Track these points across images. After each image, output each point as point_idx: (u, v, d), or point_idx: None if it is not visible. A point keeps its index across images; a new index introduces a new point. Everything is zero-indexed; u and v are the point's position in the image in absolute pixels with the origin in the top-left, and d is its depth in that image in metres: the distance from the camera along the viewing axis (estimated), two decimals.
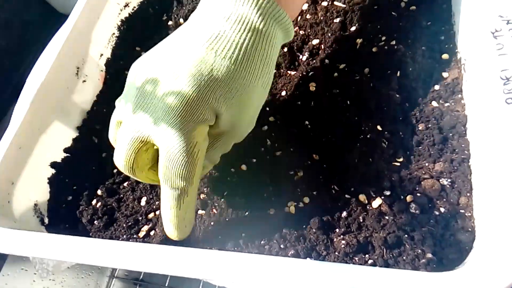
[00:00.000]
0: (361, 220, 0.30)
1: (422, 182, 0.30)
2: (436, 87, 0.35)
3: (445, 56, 0.36)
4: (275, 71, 0.41)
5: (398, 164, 0.32)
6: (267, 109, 0.38)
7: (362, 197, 0.31)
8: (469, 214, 0.28)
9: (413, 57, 0.36)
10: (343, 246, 0.29)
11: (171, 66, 0.27)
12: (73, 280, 0.56)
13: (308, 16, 0.43)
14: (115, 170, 0.40)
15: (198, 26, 0.28)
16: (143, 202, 0.37)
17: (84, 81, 0.45)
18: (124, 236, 0.35)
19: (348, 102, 0.36)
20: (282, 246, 0.30)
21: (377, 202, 0.30)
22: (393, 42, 0.38)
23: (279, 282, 0.24)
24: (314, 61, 0.40)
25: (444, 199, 0.30)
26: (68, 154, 0.42)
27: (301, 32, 0.42)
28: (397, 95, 0.35)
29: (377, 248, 0.28)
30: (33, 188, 0.39)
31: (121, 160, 0.28)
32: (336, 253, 0.29)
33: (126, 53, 0.48)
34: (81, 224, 0.37)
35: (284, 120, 0.37)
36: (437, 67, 0.35)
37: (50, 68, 0.41)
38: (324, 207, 0.31)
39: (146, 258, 0.27)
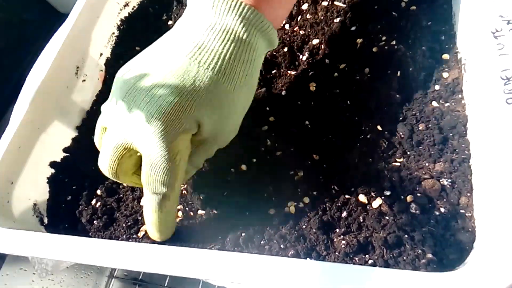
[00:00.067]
0: (361, 220, 0.30)
1: (422, 182, 0.30)
2: (437, 87, 0.35)
3: (445, 56, 0.36)
4: (275, 71, 0.41)
5: (398, 164, 0.32)
6: (267, 109, 0.38)
7: (362, 197, 0.31)
8: (470, 214, 0.28)
9: (413, 57, 0.36)
10: (343, 246, 0.29)
11: (154, 76, 0.27)
12: (72, 280, 0.56)
13: (308, 16, 0.43)
14: None
15: (182, 35, 0.28)
16: (143, 202, 0.36)
17: (84, 80, 0.45)
18: (124, 236, 0.35)
19: (348, 102, 0.36)
20: (282, 246, 0.30)
21: (377, 202, 0.30)
22: (394, 42, 0.38)
23: (279, 282, 0.24)
24: (314, 61, 0.40)
25: (445, 199, 0.29)
26: (67, 154, 0.42)
27: (301, 32, 0.42)
28: (397, 95, 0.35)
29: (377, 248, 0.28)
30: (33, 188, 0.39)
31: (105, 165, 0.29)
32: (336, 253, 0.29)
33: (126, 52, 0.48)
34: (80, 224, 0.37)
35: (284, 120, 0.37)
36: (437, 67, 0.35)
37: (49, 67, 0.40)
38: (324, 207, 0.31)
39: (146, 258, 0.27)
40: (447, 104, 0.34)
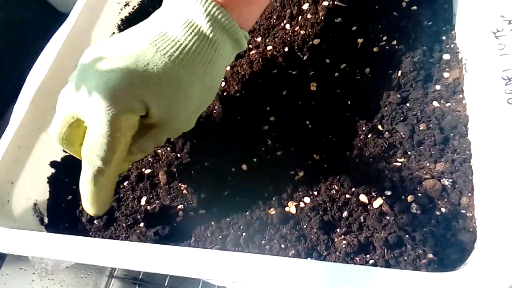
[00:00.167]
0: (362, 220, 0.30)
1: (423, 182, 0.30)
2: (437, 87, 0.35)
3: (446, 56, 0.36)
4: (276, 70, 0.41)
5: (399, 164, 0.32)
6: (268, 108, 0.38)
7: (363, 197, 0.31)
8: (471, 214, 0.28)
9: (414, 57, 0.36)
10: (344, 246, 0.28)
11: (112, 53, 0.28)
12: (72, 279, 0.56)
13: (309, 16, 0.43)
14: None
15: (150, 24, 0.29)
16: (143, 201, 0.36)
17: None
18: (124, 236, 0.34)
19: (349, 102, 0.36)
20: (282, 246, 0.30)
21: (378, 202, 0.30)
22: (394, 42, 0.38)
23: (280, 282, 0.24)
24: (315, 60, 0.40)
25: (445, 199, 0.29)
26: (67, 154, 0.42)
27: (302, 31, 0.42)
28: (398, 95, 0.35)
29: (378, 248, 0.28)
30: (33, 188, 0.39)
31: (54, 130, 0.30)
32: (337, 253, 0.29)
33: None
34: (80, 224, 0.37)
35: (284, 120, 0.37)
36: (438, 67, 0.35)
37: (50, 67, 0.40)
38: (325, 207, 0.31)
39: (146, 257, 0.27)
40: (448, 104, 0.34)
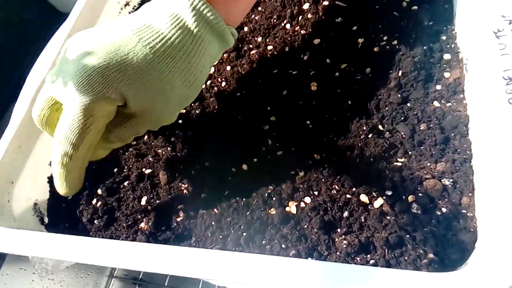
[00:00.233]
0: (362, 220, 0.30)
1: (424, 182, 0.30)
2: (438, 87, 0.34)
3: (446, 56, 0.36)
4: (276, 70, 0.41)
5: (400, 164, 0.32)
6: (268, 108, 0.38)
7: (363, 197, 0.31)
8: (471, 214, 0.28)
9: (414, 56, 0.36)
10: (344, 246, 0.28)
11: (94, 40, 0.28)
12: (72, 279, 0.56)
13: (309, 16, 0.43)
14: (115, 170, 0.39)
15: (137, 15, 0.30)
16: (143, 201, 0.36)
17: None
18: (124, 236, 0.34)
19: (350, 102, 0.36)
20: (283, 246, 0.30)
21: (378, 202, 0.30)
22: (395, 42, 0.38)
23: (281, 282, 0.24)
24: (316, 60, 0.40)
25: (446, 199, 0.29)
26: None
27: (302, 31, 0.42)
28: (399, 95, 0.35)
29: (379, 248, 0.28)
30: (33, 187, 0.39)
31: (35, 113, 0.30)
32: (338, 253, 0.29)
33: None
34: (81, 224, 0.37)
35: (285, 120, 0.37)
36: (438, 67, 0.35)
37: (50, 66, 0.40)
38: (326, 207, 0.31)
39: (146, 257, 0.27)
40: (448, 104, 0.34)
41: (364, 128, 0.34)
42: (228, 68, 0.42)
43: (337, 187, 0.32)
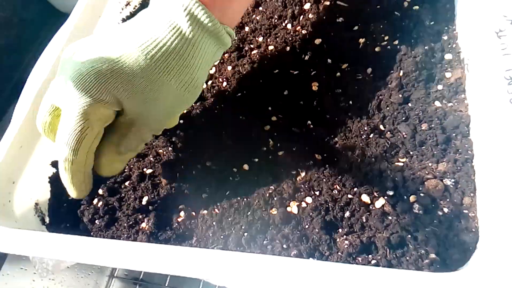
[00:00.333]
0: (364, 220, 0.30)
1: (425, 182, 0.30)
2: (439, 87, 0.34)
3: (448, 56, 0.35)
4: (277, 70, 0.41)
5: (401, 164, 0.32)
6: (269, 108, 0.38)
7: (365, 197, 0.31)
8: (473, 214, 0.28)
9: (415, 56, 0.36)
10: (346, 246, 0.28)
11: (89, 47, 0.29)
12: (72, 279, 0.56)
13: (310, 16, 0.43)
14: None
15: (131, 21, 0.30)
16: (144, 201, 0.36)
17: None
18: (125, 236, 0.34)
19: (351, 102, 0.36)
20: (284, 246, 0.30)
21: (380, 202, 0.30)
22: (396, 42, 0.38)
23: (282, 282, 0.24)
24: (317, 60, 0.40)
25: (448, 200, 0.29)
26: None
27: (304, 31, 0.42)
28: (400, 95, 0.35)
29: (380, 249, 0.28)
30: (34, 187, 0.39)
31: (38, 121, 0.32)
32: (339, 253, 0.29)
33: None
34: (82, 224, 0.37)
35: (286, 120, 0.37)
36: (440, 67, 0.35)
37: (51, 67, 0.40)
38: (327, 207, 0.31)
39: (147, 257, 0.27)
40: (450, 104, 0.34)
41: (365, 128, 0.34)
42: (229, 68, 0.42)
43: (338, 187, 0.32)
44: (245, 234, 0.31)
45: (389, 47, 0.38)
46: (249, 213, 0.32)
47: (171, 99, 0.30)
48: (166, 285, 0.56)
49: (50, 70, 0.40)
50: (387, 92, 0.35)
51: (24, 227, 0.33)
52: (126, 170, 0.39)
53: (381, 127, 0.34)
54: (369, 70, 0.37)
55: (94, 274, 0.58)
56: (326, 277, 0.24)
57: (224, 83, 0.42)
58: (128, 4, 0.51)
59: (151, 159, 0.39)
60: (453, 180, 0.30)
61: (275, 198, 0.32)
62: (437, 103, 0.34)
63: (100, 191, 0.38)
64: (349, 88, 0.37)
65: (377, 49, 0.38)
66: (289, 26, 0.43)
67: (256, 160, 0.35)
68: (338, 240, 0.29)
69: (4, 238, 0.31)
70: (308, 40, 0.41)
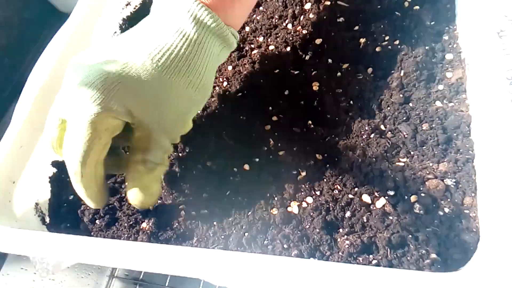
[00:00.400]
0: (365, 220, 0.30)
1: (426, 182, 0.30)
2: (440, 87, 0.34)
3: (449, 56, 0.35)
4: (278, 70, 0.41)
5: (402, 164, 0.32)
6: (270, 108, 0.38)
7: (366, 197, 0.31)
8: (474, 214, 0.28)
9: (416, 56, 0.36)
10: (347, 246, 0.28)
11: (92, 56, 0.28)
12: (73, 279, 0.55)
13: (311, 16, 0.42)
14: None
15: (136, 27, 0.30)
16: None
17: None
18: (126, 236, 0.34)
19: (351, 102, 0.36)
20: (285, 246, 0.30)
21: (381, 202, 0.30)
22: (397, 42, 0.38)
23: (283, 282, 0.24)
24: (317, 60, 0.40)
25: (449, 200, 0.29)
26: None
27: (304, 31, 0.42)
28: (401, 95, 0.35)
29: (381, 249, 0.28)
30: (34, 187, 0.39)
31: (48, 136, 0.30)
32: (340, 253, 0.29)
33: None
34: (82, 224, 0.37)
35: (287, 120, 0.37)
36: (441, 67, 0.35)
37: (51, 67, 0.40)
38: (328, 207, 0.31)
39: (148, 257, 0.27)
40: (450, 104, 0.33)
41: (366, 128, 0.34)
42: (230, 68, 0.42)
43: (339, 187, 0.32)
44: (246, 234, 0.31)
45: (389, 47, 0.38)
46: (250, 213, 0.32)
47: (182, 101, 0.30)
48: (166, 285, 0.56)
49: (50, 70, 0.40)
50: (388, 92, 0.35)
51: (24, 227, 0.33)
52: None
53: (382, 127, 0.34)
54: (370, 70, 0.37)
55: (94, 274, 0.58)
56: (327, 277, 0.24)
57: (225, 83, 0.42)
58: (128, 4, 0.51)
59: None
60: (454, 180, 0.30)
61: (276, 198, 0.32)
62: (438, 103, 0.34)
63: None
64: (350, 88, 0.37)
65: (377, 49, 0.38)
66: (289, 26, 0.43)
67: (257, 160, 0.35)
68: (339, 240, 0.29)
69: (4, 238, 0.31)
70: (308, 40, 0.41)
